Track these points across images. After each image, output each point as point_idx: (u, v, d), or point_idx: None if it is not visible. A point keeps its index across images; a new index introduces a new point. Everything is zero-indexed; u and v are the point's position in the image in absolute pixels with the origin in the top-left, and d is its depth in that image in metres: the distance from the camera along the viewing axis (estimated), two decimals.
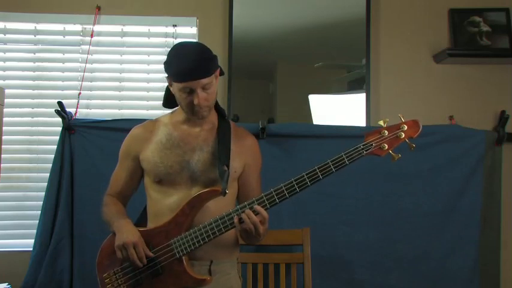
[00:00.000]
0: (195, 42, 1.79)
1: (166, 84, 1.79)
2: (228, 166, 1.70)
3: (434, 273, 2.57)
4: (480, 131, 2.65)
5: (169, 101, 1.81)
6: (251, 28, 2.74)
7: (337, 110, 2.72)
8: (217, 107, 1.82)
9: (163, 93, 1.83)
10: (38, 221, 2.52)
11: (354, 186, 2.59)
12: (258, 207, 1.60)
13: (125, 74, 2.78)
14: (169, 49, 1.73)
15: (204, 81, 1.64)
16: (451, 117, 2.73)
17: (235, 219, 1.62)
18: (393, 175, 2.59)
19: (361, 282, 2.55)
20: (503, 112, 2.69)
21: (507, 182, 2.68)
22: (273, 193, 1.61)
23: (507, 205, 2.67)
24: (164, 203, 1.73)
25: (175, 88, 1.69)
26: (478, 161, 2.62)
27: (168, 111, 1.87)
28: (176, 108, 1.83)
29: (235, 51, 2.68)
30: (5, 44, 2.75)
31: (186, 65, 1.63)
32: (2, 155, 2.44)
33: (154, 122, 1.84)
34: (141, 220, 1.83)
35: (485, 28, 2.74)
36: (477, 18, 2.76)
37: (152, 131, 1.80)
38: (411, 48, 2.78)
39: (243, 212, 1.61)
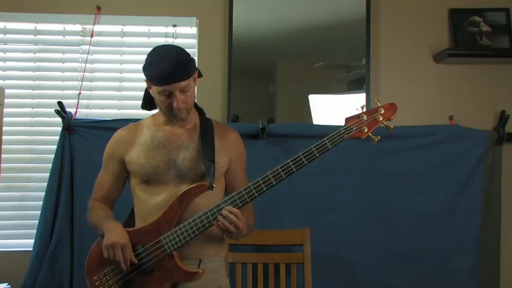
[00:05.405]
0: (172, 45, 1.80)
1: None
2: (213, 161, 1.72)
3: (434, 273, 2.57)
4: (480, 131, 2.65)
5: (148, 103, 1.83)
6: (251, 28, 2.74)
7: (337, 110, 2.72)
8: (196, 106, 1.85)
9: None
10: (38, 221, 2.52)
11: (354, 186, 2.59)
12: (225, 212, 1.62)
13: (125, 74, 2.78)
14: None
15: (183, 84, 1.66)
16: (451, 117, 2.73)
17: (216, 224, 1.64)
18: (393, 175, 2.59)
19: (361, 282, 2.55)
20: (503, 112, 2.69)
21: (507, 182, 2.68)
22: (260, 181, 1.64)
23: (507, 205, 2.67)
24: (153, 202, 1.74)
25: (154, 91, 1.72)
26: (478, 161, 2.62)
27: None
28: (157, 110, 1.84)
29: (235, 51, 2.68)
30: (5, 44, 2.75)
31: (164, 68, 1.64)
32: (2, 155, 2.44)
33: (136, 125, 1.86)
34: (128, 223, 1.83)
35: (485, 28, 2.74)
36: (477, 18, 2.76)
37: (136, 133, 1.82)
38: (411, 48, 2.79)
39: (220, 215, 1.63)
